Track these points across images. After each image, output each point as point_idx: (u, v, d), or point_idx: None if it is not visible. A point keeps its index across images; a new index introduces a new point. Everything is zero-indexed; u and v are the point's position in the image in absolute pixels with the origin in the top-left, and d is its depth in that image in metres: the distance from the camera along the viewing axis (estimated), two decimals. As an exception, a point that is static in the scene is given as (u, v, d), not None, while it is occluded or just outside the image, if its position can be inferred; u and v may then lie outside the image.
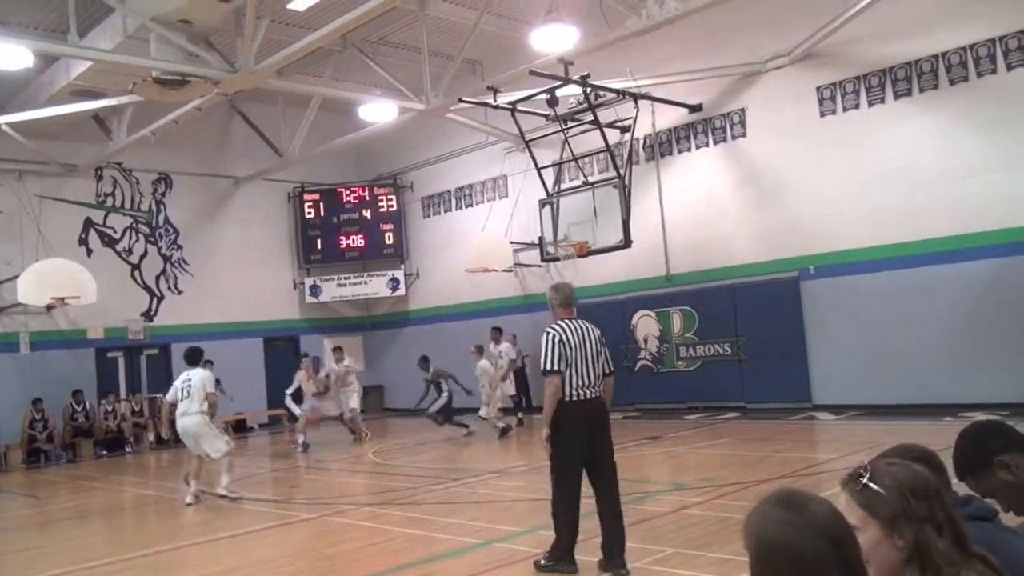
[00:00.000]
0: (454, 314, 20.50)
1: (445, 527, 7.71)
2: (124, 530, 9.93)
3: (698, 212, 15.86)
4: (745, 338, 15.21)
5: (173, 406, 10.00)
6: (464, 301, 20.13)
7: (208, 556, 7.63)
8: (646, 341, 16.72)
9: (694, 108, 15.86)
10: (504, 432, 14.16)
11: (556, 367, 5.66)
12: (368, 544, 7.45)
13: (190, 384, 9.58)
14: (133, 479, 13.72)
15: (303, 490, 10.90)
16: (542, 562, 5.86)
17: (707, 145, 15.92)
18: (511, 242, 18.10)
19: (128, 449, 17.24)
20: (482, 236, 19.04)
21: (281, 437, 15.45)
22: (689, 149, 16.19)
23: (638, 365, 16.57)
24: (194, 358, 9.97)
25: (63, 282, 15.62)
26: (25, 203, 17.48)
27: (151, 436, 17.48)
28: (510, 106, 14.47)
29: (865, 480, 1.84)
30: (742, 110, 15.36)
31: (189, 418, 9.56)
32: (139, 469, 14.78)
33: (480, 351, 15.13)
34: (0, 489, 13.82)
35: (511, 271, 18.38)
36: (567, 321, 5.90)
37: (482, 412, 14.60)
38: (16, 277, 15.78)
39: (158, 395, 17.76)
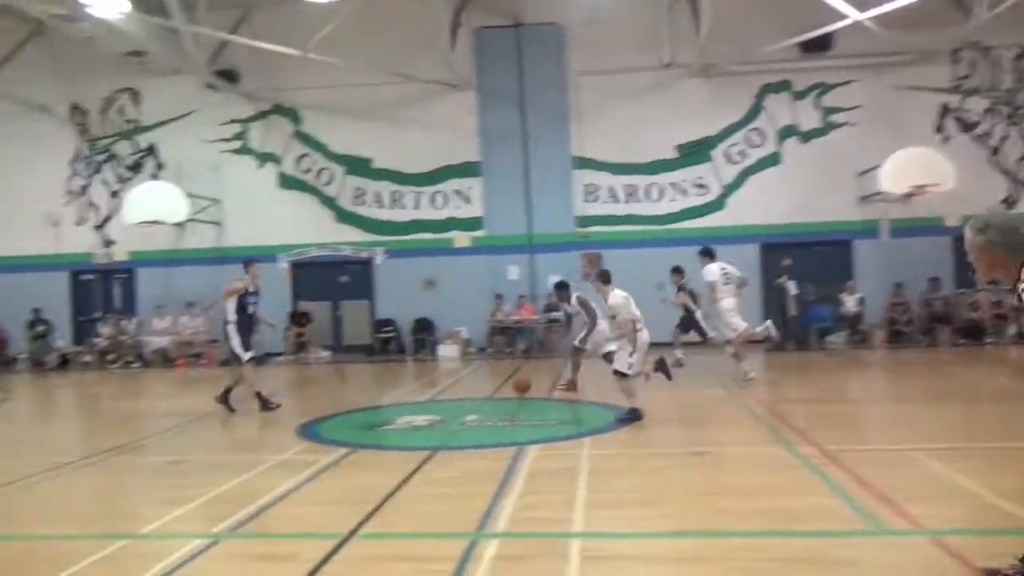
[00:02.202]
0: None
1: None
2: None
3: None
4: None
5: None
6: None
7: None
8: None
9: None
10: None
11: None
12: None
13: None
14: (986, 370, 13.45)
15: None
16: None
17: None
18: None
19: (988, 340, 16.76)
20: None
21: None
22: None
23: None
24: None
25: (922, 170, 15.96)
26: (879, 95, 18.21)
27: (1012, 329, 16.63)
28: None
29: None
30: None
31: None
32: (994, 361, 14.43)
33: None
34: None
35: None
36: None
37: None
38: (877, 167, 16.57)
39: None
